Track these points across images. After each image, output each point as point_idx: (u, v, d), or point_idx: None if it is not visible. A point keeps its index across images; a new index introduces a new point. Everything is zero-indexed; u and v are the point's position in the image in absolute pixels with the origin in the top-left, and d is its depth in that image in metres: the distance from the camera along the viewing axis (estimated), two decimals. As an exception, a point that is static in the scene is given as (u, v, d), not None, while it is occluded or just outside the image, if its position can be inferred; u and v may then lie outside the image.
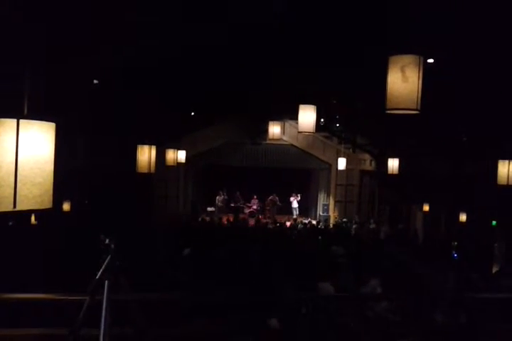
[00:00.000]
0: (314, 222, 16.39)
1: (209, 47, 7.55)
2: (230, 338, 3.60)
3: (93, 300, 2.66)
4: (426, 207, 14.75)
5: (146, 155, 7.38)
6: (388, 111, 3.32)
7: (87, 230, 8.18)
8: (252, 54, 8.21)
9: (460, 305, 4.54)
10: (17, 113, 1.84)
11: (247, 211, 19.46)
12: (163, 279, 5.84)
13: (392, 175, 12.35)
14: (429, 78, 3.34)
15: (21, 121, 1.80)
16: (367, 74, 7.37)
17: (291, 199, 19.91)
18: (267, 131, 11.07)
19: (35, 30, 4.76)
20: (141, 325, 2.74)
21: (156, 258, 7.67)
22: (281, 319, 3.94)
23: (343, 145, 17.84)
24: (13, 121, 1.79)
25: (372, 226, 15.49)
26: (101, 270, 2.66)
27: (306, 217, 19.60)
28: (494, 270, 10.26)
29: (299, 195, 19.88)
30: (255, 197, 19.80)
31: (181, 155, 12.53)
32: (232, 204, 19.35)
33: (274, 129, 10.31)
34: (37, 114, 1.86)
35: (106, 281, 2.65)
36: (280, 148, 18.19)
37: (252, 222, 16.03)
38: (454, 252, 10.86)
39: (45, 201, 1.89)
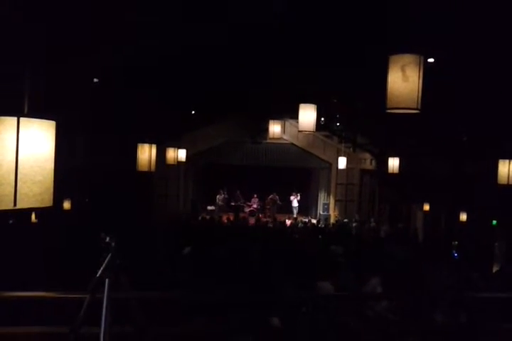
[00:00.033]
0: (314, 221, 16.40)
1: (209, 47, 7.54)
2: (230, 337, 3.60)
3: (93, 299, 2.66)
4: (426, 207, 14.72)
5: (146, 153, 7.39)
6: (388, 111, 3.32)
7: (87, 228, 8.19)
8: (252, 54, 8.20)
9: (460, 304, 4.54)
10: (17, 111, 1.84)
11: (247, 210, 19.48)
12: (163, 278, 5.86)
13: (393, 175, 12.36)
14: (430, 78, 3.34)
15: (22, 119, 1.79)
16: (367, 73, 7.36)
17: (292, 198, 19.93)
18: (267, 129, 11.09)
19: (35, 30, 4.76)
20: (141, 323, 2.74)
21: (156, 257, 7.69)
22: (281, 318, 3.94)
23: (343, 145, 17.85)
24: (13, 119, 1.78)
25: (373, 225, 15.50)
26: (101, 268, 2.66)
27: (306, 216, 19.60)
28: (494, 269, 10.25)
29: (299, 194, 19.89)
30: (255, 196, 19.82)
31: (181, 154, 12.55)
32: (233, 203, 19.35)
33: (275, 128, 10.33)
34: (37, 112, 1.86)
35: (106, 280, 2.65)
36: (280, 147, 18.19)
37: (252, 220, 16.04)
38: (454, 252, 10.84)
39: (46, 199, 1.89)
